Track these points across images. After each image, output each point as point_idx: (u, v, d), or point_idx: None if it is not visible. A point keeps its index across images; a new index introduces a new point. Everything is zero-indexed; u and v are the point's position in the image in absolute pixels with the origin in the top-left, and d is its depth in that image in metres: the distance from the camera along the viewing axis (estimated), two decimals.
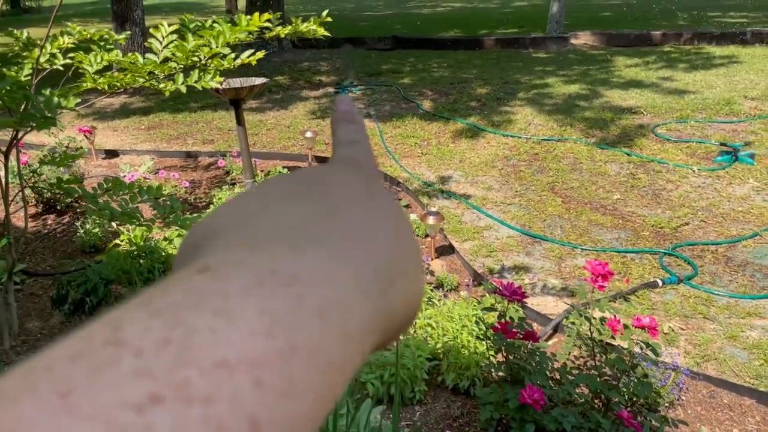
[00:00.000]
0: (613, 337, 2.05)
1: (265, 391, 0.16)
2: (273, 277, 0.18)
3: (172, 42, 2.44)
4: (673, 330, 2.82)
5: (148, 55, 2.45)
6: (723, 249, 3.50)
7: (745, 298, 3.03)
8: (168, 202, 2.38)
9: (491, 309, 2.14)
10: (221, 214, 0.24)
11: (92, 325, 0.16)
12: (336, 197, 0.24)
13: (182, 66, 2.52)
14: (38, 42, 2.47)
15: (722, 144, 4.77)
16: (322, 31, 2.70)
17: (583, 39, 9.99)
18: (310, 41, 10.79)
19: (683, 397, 2.38)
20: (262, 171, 4.60)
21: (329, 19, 2.70)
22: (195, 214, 3.61)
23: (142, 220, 2.35)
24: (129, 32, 3.42)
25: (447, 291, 3.15)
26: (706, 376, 2.46)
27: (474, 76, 7.84)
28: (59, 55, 2.60)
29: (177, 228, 2.60)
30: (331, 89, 7.60)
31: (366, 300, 0.21)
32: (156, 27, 2.46)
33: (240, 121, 4.03)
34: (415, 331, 2.61)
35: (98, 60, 2.62)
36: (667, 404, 2.29)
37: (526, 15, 13.56)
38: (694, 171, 4.49)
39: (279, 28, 2.62)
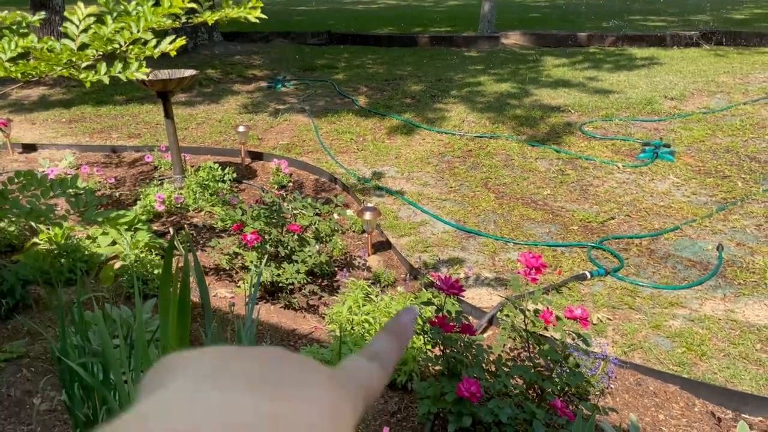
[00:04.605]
0: (546, 329, 2.09)
1: None
2: None
3: (89, 26, 2.30)
4: (601, 320, 2.91)
5: (64, 41, 2.30)
6: (647, 242, 3.65)
7: (667, 289, 3.17)
8: (83, 196, 2.24)
9: (429, 303, 2.14)
10: (200, 359, 0.26)
11: None
12: (295, 409, 0.24)
13: (101, 54, 2.38)
14: None
15: (644, 142, 4.98)
16: (256, 13, 2.61)
17: (513, 39, 10.22)
18: (241, 34, 10.56)
19: (612, 386, 2.46)
20: (192, 166, 4.45)
21: (260, 3, 2.62)
22: (122, 210, 3.45)
23: (53, 217, 2.19)
24: (44, 14, 3.22)
25: (384, 287, 3.14)
26: (633, 364, 2.56)
27: (408, 73, 7.88)
28: None
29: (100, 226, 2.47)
30: (263, 83, 7.46)
31: None
32: (72, 10, 2.31)
33: (168, 115, 3.89)
34: (352, 328, 2.59)
35: (12, 46, 2.45)
36: (597, 393, 2.36)
37: (459, 14, 13.75)
38: (618, 167, 4.67)
39: (207, 12, 2.51)
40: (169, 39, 2.44)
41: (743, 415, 2.33)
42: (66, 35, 2.30)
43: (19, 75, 2.42)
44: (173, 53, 2.41)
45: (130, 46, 2.39)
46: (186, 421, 0.21)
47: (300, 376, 0.26)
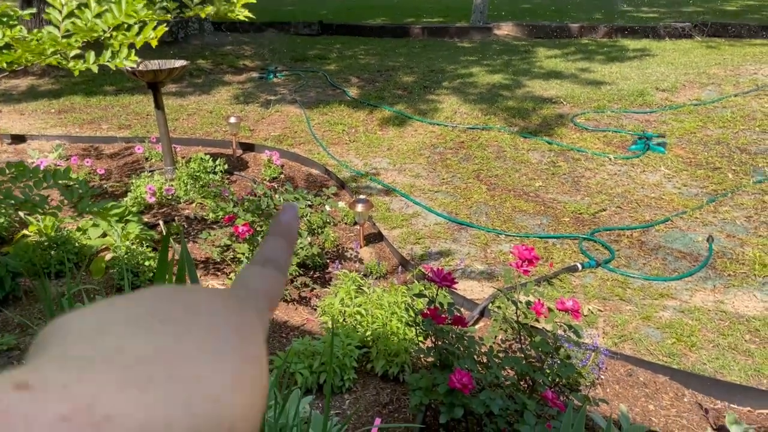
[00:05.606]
0: (537, 320, 2.09)
1: None
2: (86, 414, 0.18)
3: (72, 10, 2.26)
4: (592, 312, 2.93)
5: (48, 28, 2.27)
6: (637, 234, 3.67)
7: (657, 280, 3.19)
8: (77, 186, 2.22)
9: (421, 295, 2.14)
10: (84, 314, 0.24)
11: None
12: (194, 343, 0.23)
13: (87, 41, 2.34)
14: None
15: (636, 134, 4.99)
16: (246, 12, 2.59)
17: (505, 30, 10.20)
18: (232, 24, 10.48)
19: (602, 377, 2.48)
20: (183, 157, 4.43)
21: (253, 0, 2.60)
22: (111, 202, 3.43)
23: (47, 208, 2.18)
24: (34, 9, 3.18)
25: (376, 278, 3.15)
26: (624, 355, 2.57)
27: (401, 64, 7.85)
28: None
29: (91, 218, 2.44)
30: (255, 74, 7.41)
31: None
32: None
33: (159, 105, 3.87)
34: (344, 320, 2.59)
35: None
36: (588, 384, 2.38)
37: (451, 4, 13.70)
38: (610, 159, 4.68)
39: (198, 8, 2.49)
40: (151, 26, 2.38)
41: (732, 405, 2.35)
42: (49, 22, 2.26)
43: (5, 65, 2.39)
44: (154, 43, 2.35)
45: (114, 32, 2.35)
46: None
47: (195, 309, 0.25)
